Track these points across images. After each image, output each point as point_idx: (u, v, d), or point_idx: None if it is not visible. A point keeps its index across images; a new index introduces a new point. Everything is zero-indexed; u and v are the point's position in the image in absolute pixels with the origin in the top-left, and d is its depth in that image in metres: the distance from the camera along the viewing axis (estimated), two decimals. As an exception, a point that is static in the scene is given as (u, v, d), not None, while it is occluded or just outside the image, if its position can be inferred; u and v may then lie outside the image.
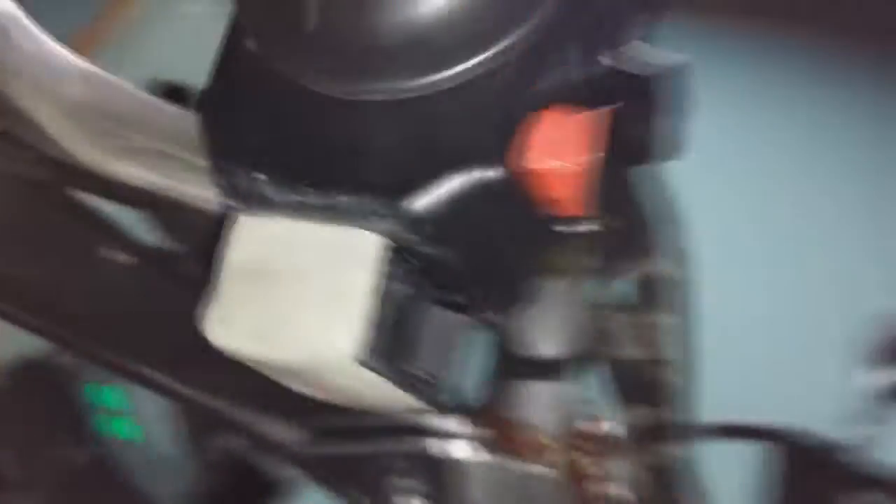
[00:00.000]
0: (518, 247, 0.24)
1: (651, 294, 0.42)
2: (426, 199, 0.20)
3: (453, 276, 0.23)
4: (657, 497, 0.44)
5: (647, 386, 0.44)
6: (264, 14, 0.22)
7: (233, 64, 0.23)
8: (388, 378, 0.22)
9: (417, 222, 0.21)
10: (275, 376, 0.25)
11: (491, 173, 0.20)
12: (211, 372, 0.35)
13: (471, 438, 0.42)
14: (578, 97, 0.21)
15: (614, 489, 0.41)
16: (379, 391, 0.23)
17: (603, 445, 0.41)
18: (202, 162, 0.23)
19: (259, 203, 0.22)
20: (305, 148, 0.22)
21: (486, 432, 0.43)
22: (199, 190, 0.28)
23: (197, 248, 0.34)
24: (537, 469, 0.40)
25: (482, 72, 0.20)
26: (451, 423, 0.43)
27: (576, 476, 0.41)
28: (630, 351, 0.43)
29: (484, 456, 0.42)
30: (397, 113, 0.21)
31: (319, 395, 0.27)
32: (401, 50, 0.20)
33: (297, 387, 0.26)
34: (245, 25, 0.23)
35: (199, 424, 0.56)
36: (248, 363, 0.23)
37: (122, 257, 0.32)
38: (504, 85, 0.20)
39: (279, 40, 0.22)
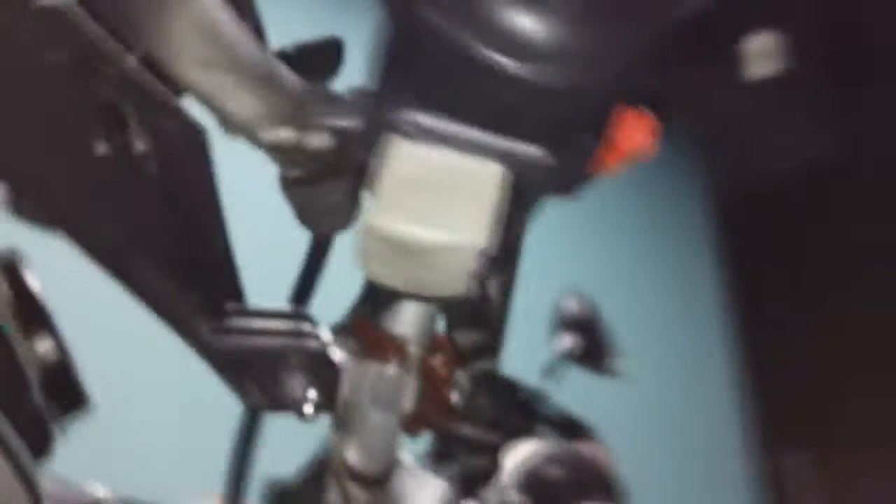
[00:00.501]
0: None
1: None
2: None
3: None
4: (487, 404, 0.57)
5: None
6: None
7: (407, 21, 0.30)
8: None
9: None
10: (401, 255, 0.32)
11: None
12: (158, 257, 0.41)
13: (344, 343, 0.52)
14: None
15: (454, 394, 0.53)
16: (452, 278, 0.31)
17: (452, 356, 0.52)
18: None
19: (417, 131, 0.30)
20: (469, 97, 0.29)
21: (357, 338, 0.52)
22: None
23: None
24: (393, 370, 0.51)
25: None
26: (328, 330, 0.52)
27: (428, 378, 0.52)
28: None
29: (352, 358, 0.51)
30: (544, 93, 0.30)
31: (402, 277, 0.34)
32: (558, 51, 0.29)
33: (406, 268, 0.33)
34: None
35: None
36: (393, 242, 0.30)
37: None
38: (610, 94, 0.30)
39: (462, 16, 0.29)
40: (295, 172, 0.43)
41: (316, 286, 0.58)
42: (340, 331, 0.53)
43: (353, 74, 0.61)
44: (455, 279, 0.32)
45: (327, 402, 0.49)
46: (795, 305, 2.46)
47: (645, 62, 0.30)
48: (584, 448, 0.76)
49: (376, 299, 0.51)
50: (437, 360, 0.51)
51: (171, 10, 0.34)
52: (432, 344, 0.52)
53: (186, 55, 0.36)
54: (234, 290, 0.48)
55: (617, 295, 1.46)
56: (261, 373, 0.47)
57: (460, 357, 0.52)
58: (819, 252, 2.38)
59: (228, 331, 0.47)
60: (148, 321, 0.44)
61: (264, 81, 0.38)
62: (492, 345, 0.56)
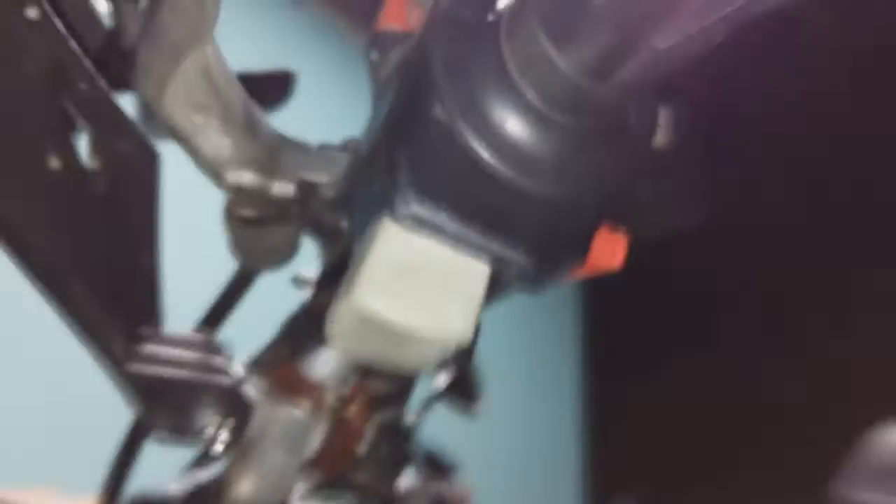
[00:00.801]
0: None
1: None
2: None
3: None
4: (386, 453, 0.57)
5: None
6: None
7: (422, 118, 0.29)
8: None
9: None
10: (380, 337, 0.31)
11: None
12: (89, 275, 0.39)
13: (258, 380, 0.50)
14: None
15: (362, 444, 0.53)
16: (424, 361, 0.32)
17: (365, 406, 0.52)
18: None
19: (413, 220, 0.29)
20: (465, 192, 0.29)
21: (272, 377, 0.51)
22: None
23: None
24: (305, 415, 0.50)
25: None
26: (242, 365, 0.50)
27: (339, 427, 0.51)
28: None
29: (264, 396, 0.50)
30: (544, 207, 0.30)
31: (371, 352, 0.33)
32: (560, 167, 0.30)
33: (380, 348, 0.32)
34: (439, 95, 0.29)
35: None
36: (376, 324, 0.29)
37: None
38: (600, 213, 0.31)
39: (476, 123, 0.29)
40: (247, 212, 0.41)
41: (229, 315, 0.56)
42: (255, 367, 0.51)
43: (301, 108, 0.60)
44: (427, 361, 0.32)
45: (235, 439, 0.47)
46: (639, 363, 2.62)
47: (629, 184, 0.32)
48: (447, 487, 0.77)
49: (298, 341, 0.50)
50: (351, 411, 0.51)
51: (186, 56, 0.33)
52: (348, 393, 0.51)
53: (182, 97, 0.35)
54: (152, 313, 0.46)
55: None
56: (170, 403, 0.45)
57: (371, 407, 0.52)
58: (660, 317, 2.54)
59: (141, 357, 0.45)
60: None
61: (244, 127, 0.37)
62: (401, 394, 0.56)
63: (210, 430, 0.46)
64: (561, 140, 0.30)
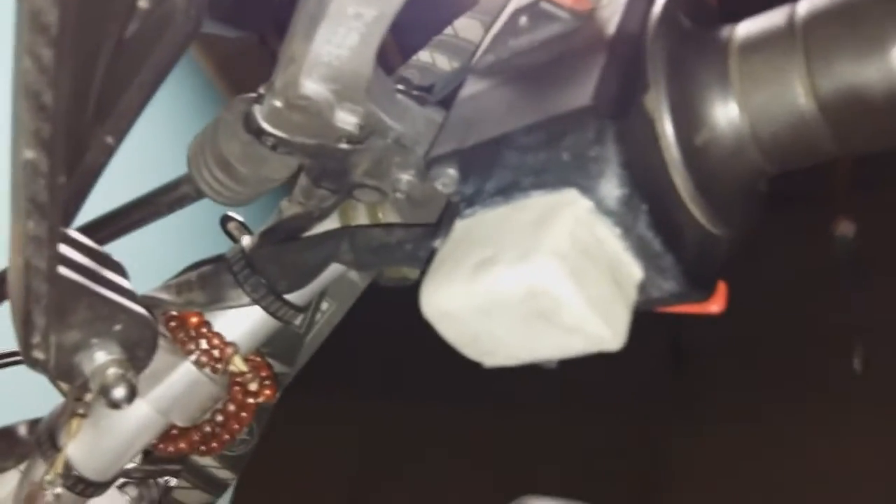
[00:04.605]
0: None
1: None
2: None
3: None
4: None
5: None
6: None
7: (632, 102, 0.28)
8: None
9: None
10: (529, 316, 0.27)
11: None
12: None
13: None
14: None
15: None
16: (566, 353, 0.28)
17: (265, 376, 0.45)
18: None
19: (609, 208, 0.28)
20: (661, 204, 0.28)
21: (174, 321, 0.43)
22: None
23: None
24: (206, 374, 0.43)
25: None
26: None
27: (239, 388, 0.44)
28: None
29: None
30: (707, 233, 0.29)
31: (511, 337, 0.28)
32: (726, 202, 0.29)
33: (512, 330, 0.28)
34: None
35: None
36: (548, 295, 0.25)
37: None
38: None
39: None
40: (287, 133, 0.34)
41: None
42: (154, 302, 0.42)
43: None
44: (560, 354, 0.29)
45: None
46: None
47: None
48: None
49: (217, 290, 0.42)
50: (253, 384, 0.44)
51: None
52: (253, 365, 0.44)
53: None
54: (77, 208, 0.37)
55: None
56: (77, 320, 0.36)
57: (275, 389, 0.45)
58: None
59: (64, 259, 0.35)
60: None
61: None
62: (283, 382, 0.50)
63: (106, 365, 0.37)
64: (747, 174, 0.29)
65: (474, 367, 0.31)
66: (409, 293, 0.34)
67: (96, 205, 0.41)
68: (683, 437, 2.42)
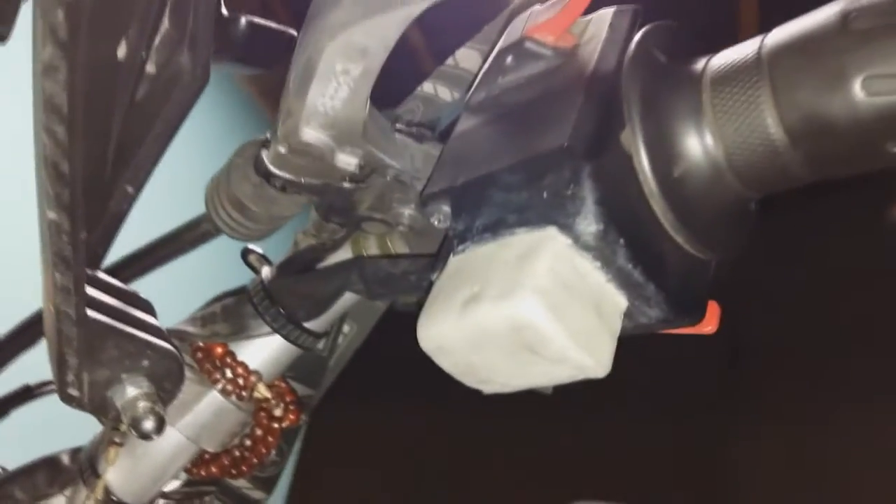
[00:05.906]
0: None
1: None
2: None
3: None
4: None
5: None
6: None
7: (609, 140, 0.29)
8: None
9: None
10: (514, 348, 0.28)
11: None
12: None
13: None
14: None
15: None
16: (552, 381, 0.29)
17: (295, 410, 0.47)
18: None
19: (587, 243, 0.29)
20: (641, 236, 0.29)
21: (200, 353, 0.45)
22: None
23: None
24: (232, 402, 0.45)
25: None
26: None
27: (260, 426, 0.46)
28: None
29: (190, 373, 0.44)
30: (693, 261, 0.31)
31: (500, 366, 0.30)
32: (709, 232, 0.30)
33: (500, 360, 0.29)
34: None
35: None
36: (529, 328, 0.27)
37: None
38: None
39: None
40: (291, 174, 0.36)
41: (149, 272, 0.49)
42: (179, 335, 0.45)
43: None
44: (548, 382, 0.30)
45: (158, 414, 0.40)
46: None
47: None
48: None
49: (239, 321, 0.45)
50: (279, 410, 0.46)
51: None
52: (277, 391, 0.47)
53: (342, 44, 0.30)
54: (103, 253, 0.39)
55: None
56: (105, 358, 0.38)
57: (301, 410, 0.47)
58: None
59: (93, 302, 0.38)
60: None
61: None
62: (309, 405, 0.52)
63: (136, 399, 0.39)
64: (729, 199, 0.30)
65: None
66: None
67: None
68: (742, 439, 2.33)
